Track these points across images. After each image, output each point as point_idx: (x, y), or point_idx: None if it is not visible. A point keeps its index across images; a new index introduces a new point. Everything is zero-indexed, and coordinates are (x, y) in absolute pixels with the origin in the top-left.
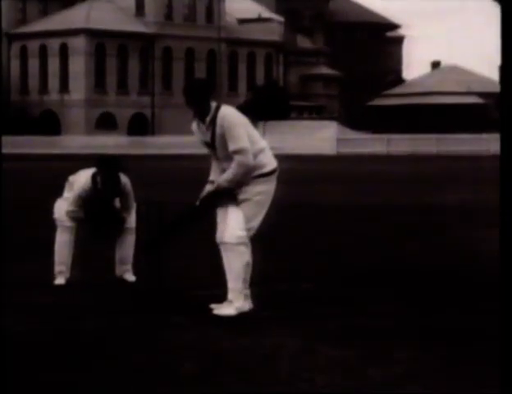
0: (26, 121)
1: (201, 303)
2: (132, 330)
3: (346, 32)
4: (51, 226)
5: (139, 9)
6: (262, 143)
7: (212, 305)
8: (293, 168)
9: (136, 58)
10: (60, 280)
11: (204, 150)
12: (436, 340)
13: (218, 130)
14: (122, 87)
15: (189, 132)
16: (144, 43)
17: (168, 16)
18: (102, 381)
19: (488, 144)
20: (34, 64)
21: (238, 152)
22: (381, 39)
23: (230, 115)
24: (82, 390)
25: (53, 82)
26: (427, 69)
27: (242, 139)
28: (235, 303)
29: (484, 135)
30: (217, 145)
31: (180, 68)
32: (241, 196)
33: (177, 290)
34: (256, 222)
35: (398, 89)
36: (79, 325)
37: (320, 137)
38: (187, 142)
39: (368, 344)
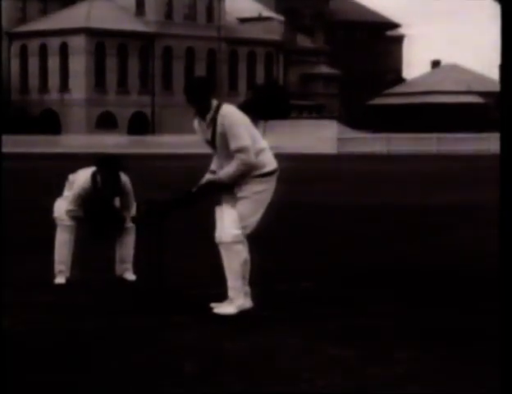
0: (26, 120)
1: (201, 302)
2: (132, 330)
3: (346, 31)
4: (51, 226)
5: (140, 8)
6: (263, 143)
7: (213, 304)
8: (293, 168)
9: (136, 57)
10: (60, 279)
11: (205, 149)
12: (437, 340)
13: (219, 128)
14: (122, 86)
15: (190, 131)
16: (144, 42)
17: (168, 15)
18: (102, 381)
19: (488, 143)
20: (34, 63)
21: (240, 150)
22: (382, 38)
23: (231, 113)
24: (82, 390)
25: (53, 81)
26: (427, 68)
27: (243, 137)
28: (235, 301)
29: (484, 135)
30: (218, 144)
31: (180, 67)
32: (240, 194)
33: (177, 289)
34: (253, 220)
35: (398, 89)
36: (79, 325)
37: (320, 136)
38: (187, 141)
39: (368, 344)
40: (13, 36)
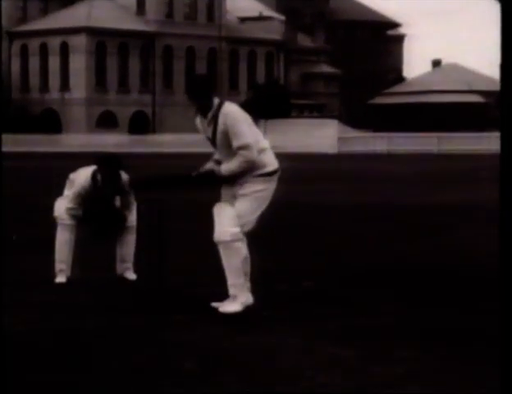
0: (27, 119)
1: (201, 302)
2: (132, 329)
3: (347, 30)
4: (51, 225)
5: (140, 7)
6: (265, 143)
7: (214, 304)
8: (293, 167)
9: (137, 57)
10: (61, 278)
11: (205, 148)
12: (437, 340)
13: (221, 126)
14: (123, 85)
15: (190, 130)
16: (144, 41)
17: (169, 14)
18: (102, 381)
19: (489, 142)
20: (34, 62)
21: (243, 147)
22: (382, 38)
23: (233, 112)
24: (82, 390)
25: (54, 80)
26: (427, 67)
27: (246, 134)
28: (239, 298)
29: (485, 134)
30: (218, 142)
31: (180, 67)
32: (241, 191)
33: (178, 289)
34: (252, 218)
35: (399, 88)
36: (79, 324)
37: (321, 135)
38: (188, 140)
39: (368, 344)
40: (14, 35)
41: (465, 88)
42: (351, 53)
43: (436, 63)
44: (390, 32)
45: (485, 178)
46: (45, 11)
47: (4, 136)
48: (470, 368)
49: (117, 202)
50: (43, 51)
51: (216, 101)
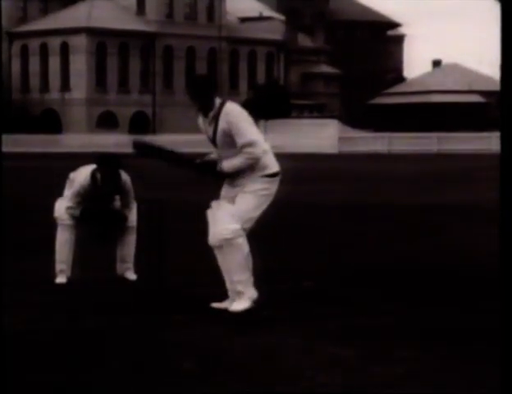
0: (27, 119)
1: (201, 302)
2: (132, 329)
3: (347, 30)
4: (51, 225)
5: (140, 8)
6: (266, 145)
7: (214, 304)
8: (294, 167)
9: (137, 57)
10: (61, 278)
11: (205, 148)
12: (437, 340)
13: (222, 126)
14: (123, 85)
15: (191, 130)
16: (144, 41)
17: (169, 14)
18: (102, 381)
19: (489, 142)
20: (34, 63)
21: (248, 145)
22: (382, 38)
23: (235, 110)
24: (82, 390)
25: (54, 81)
26: (427, 67)
27: (250, 131)
28: (246, 294)
29: (485, 134)
30: (219, 141)
31: (181, 67)
32: (243, 190)
33: (177, 289)
34: (253, 215)
35: (399, 88)
36: (79, 324)
37: (321, 136)
38: (188, 140)
39: (368, 344)
40: (14, 36)
41: (465, 88)
42: (351, 53)
43: (436, 63)
44: (391, 32)
45: (484, 178)
46: (45, 12)
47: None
48: (470, 368)
49: (117, 201)
50: (44, 51)
51: (217, 101)
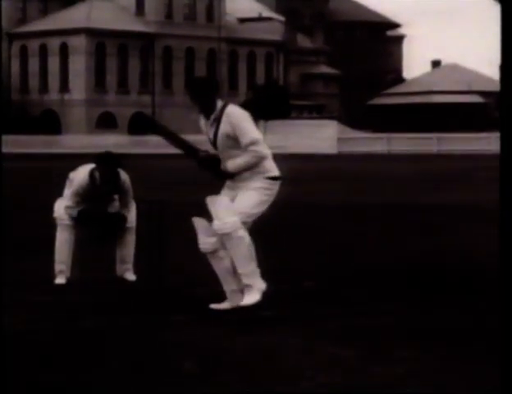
0: (27, 120)
1: (201, 302)
2: (132, 329)
3: (346, 31)
4: (51, 226)
5: (140, 8)
6: (267, 150)
7: (213, 305)
8: (293, 167)
9: (136, 57)
10: (60, 279)
11: (205, 148)
12: (437, 340)
13: (224, 128)
14: (122, 86)
15: (190, 131)
16: (144, 42)
17: (168, 15)
18: (102, 381)
19: (489, 143)
20: (34, 63)
21: (252, 143)
22: (382, 38)
23: (238, 112)
24: (82, 390)
25: (54, 81)
26: (427, 68)
27: (253, 131)
28: (255, 286)
29: (484, 134)
30: (219, 143)
31: (180, 67)
32: (246, 187)
33: (177, 289)
34: (254, 211)
35: (398, 88)
36: (79, 325)
37: (320, 136)
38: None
39: (369, 344)
40: (13, 36)
41: (465, 88)
42: (351, 54)
43: (436, 64)
44: (390, 32)
45: (484, 179)
46: (45, 12)
47: (4, 137)
48: (470, 369)
49: (116, 202)
50: (43, 52)
51: (219, 103)
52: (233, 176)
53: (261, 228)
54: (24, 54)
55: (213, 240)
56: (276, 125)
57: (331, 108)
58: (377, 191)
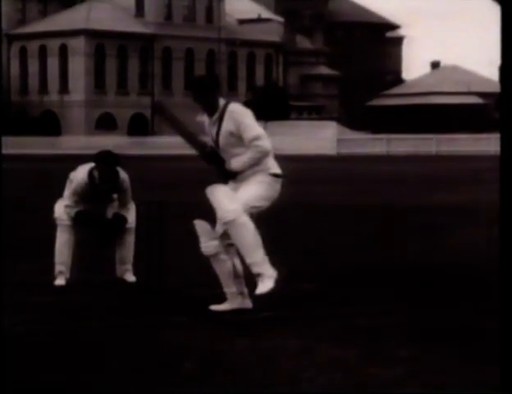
0: (26, 121)
1: (201, 302)
2: (132, 330)
3: (346, 32)
4: (51, 227)
5: (139, 9)
6: (270, 145)
7: (212, 307)
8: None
9: (136, 59)
10: (60, 281)
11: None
12: (437, 340)
13: (227, 126)
14: (122, 87)
15: None
16: (143, 43)
17: (168, 16)
18: (102, 381)
19: (488, 144)
20: (33, 64)
21: (256, 138)
22: (381, 39)
23: (240, 108)
24: (82, 390)
25: (53, 83)
26: (426, 69)
27: (256, 127)
28: (266, 273)
29: (484, 135)
30: (221, 142)
31: (179, 68)
32: (249, 180)
33: (177, 290)
34: (257, 204)
35: (397, 90)
36: (79, 325)
37: (320, 137)
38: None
39: (368, 344)
40: (13, 38)
41: (464, 89)
42: (350, 55)
43: (435, 65)
44: (389, 34)
45: (484, 180)
46: (44, 14)
47: (3, 138)
48: (470, 368)
49: (115, 202)
50: (42, 53)
51: (221, 101)
52: (236, 175)
53: (260, 229)
54: (23, 55)
55: (215, 243)
56: (276, 125)
57: (330, 109)
58: (376, 192)
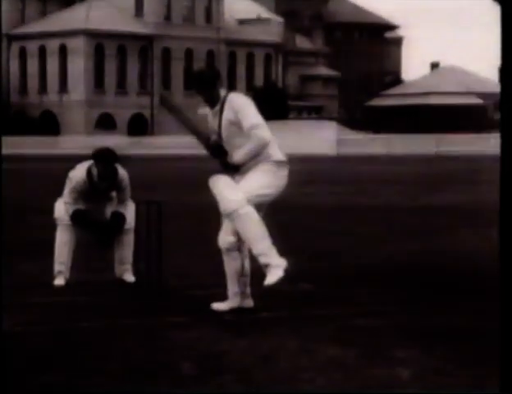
0: (26, 121)
1: (201, 302)
2: (131, 330)
3: (345, 32)
4: (50, 227)
5: (138, 10)
6: (269, 135)
7: (214, 305)
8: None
9: (135, 59)
10: (59, 281)
11: (204, 150)
12: (437, 340)
13: (227, 115)
14: (121, 87)
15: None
16: (143, 43)
17: (167, 16)
18: (101, 381)
19: (487, 144)
20: (33, 65)
21: (254, 127)
22: (380, 40)
23: (239, 97)
24: (81, 390)
25: (52, 83)
26: (426, 70)
27: (255, 116)
28: (273, 262)
29: (483, 136)
30: (223, 133)
31: (179, 68)
32: (255, 169)
33: (177, 289)
34: (262, 192)
35: (397, 90)
36: (78, 325)
37: (319, 137)
38: (186, 142)
39: (368, 344)
40: (12, 38)
41: (463, 90)
42: (349, 55)
43: (435, 65)
44: (389, 34)
45: (483, 180)
46: (43, 14)
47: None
48: (470, 369)
49: (114, 200)
50: (42, 53)
51: (223, 92)
52: (238, 167)
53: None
54: (23, 55)
55: (232, 239)
56: (275, 126)
57: (329, 109)
58: (376, 192)
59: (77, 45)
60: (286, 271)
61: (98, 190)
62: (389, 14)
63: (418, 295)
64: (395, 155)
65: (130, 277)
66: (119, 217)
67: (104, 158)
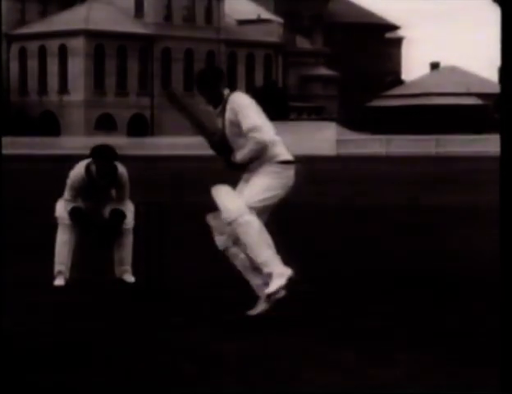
0: (26, 121)
1: (201, 303)
2: (132, 330)
3: (345, 33)
4: (50, 227)
5: (138, 10)
6: (274, 135)
7: (250, 312)
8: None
9: (135, 59)
10: (59, 281)
11: (204, 151)
12: (437, 340)
13: (229, 115)
14: (121, 88)
15: (189, 133)
16: (143, 44)
17: (167, 17)
18: (101, 381)
19: (487, 145)
20: (33, 65)
21: (252, 129)
22: (381, 40)
23: (240, 97)
24: (82, 390)
25: (52, 83)
26: (426, 70)
27: (254, 117)
28: (275, 271)
29: (483, 136)
30: (228, 132)
31: (179, 69)
32: (259, 171)
33: (177, 290)
34: (266, 195)
35: (397, 90)
36: (78, 325)
37: (319, 138)
38: (186, 143)
39: (368, 344)
40: (12, 38)
41: (463, 90)
42: (350, 56)
43: (435, 66)
44: (389, 34)
45: (483, 180)
46: (44, 14)
47: (3, 139)
48: (470, 369)
49: (113, 200)
50: (42, 53)
51: (226, 92)
52: (241, 167)
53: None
54: (23, 56)
55: (223, 237)
56: (275, 126)
57: (330, 110)
58: (376, 193)
59: (77, 45)
60: (290, 279)
61: (97, 187)
62: (389, 14)
63: (418, 295)
64: (395, 155)
65: (129, 278)
66: (119, 215)
67: (103, 156)
